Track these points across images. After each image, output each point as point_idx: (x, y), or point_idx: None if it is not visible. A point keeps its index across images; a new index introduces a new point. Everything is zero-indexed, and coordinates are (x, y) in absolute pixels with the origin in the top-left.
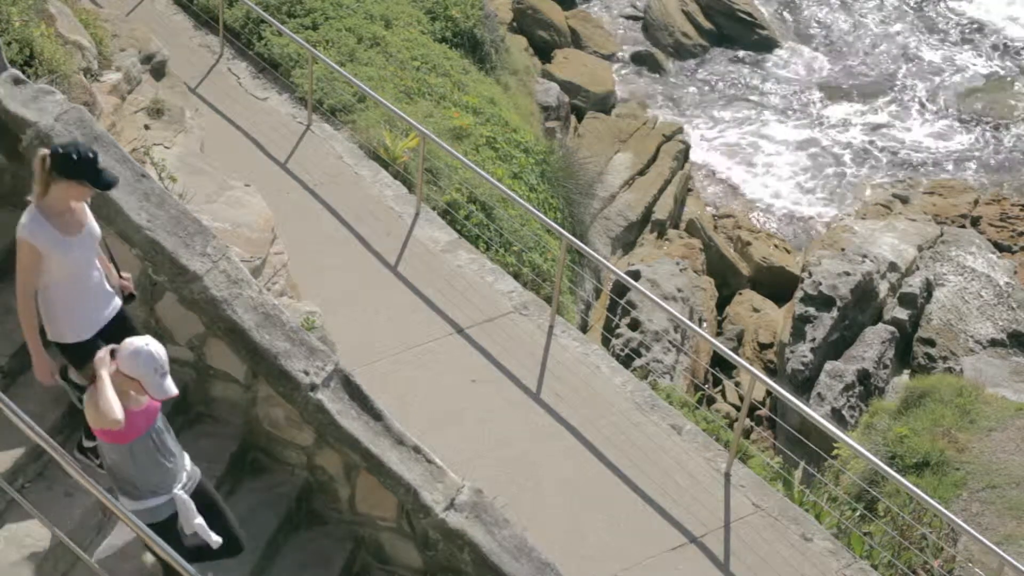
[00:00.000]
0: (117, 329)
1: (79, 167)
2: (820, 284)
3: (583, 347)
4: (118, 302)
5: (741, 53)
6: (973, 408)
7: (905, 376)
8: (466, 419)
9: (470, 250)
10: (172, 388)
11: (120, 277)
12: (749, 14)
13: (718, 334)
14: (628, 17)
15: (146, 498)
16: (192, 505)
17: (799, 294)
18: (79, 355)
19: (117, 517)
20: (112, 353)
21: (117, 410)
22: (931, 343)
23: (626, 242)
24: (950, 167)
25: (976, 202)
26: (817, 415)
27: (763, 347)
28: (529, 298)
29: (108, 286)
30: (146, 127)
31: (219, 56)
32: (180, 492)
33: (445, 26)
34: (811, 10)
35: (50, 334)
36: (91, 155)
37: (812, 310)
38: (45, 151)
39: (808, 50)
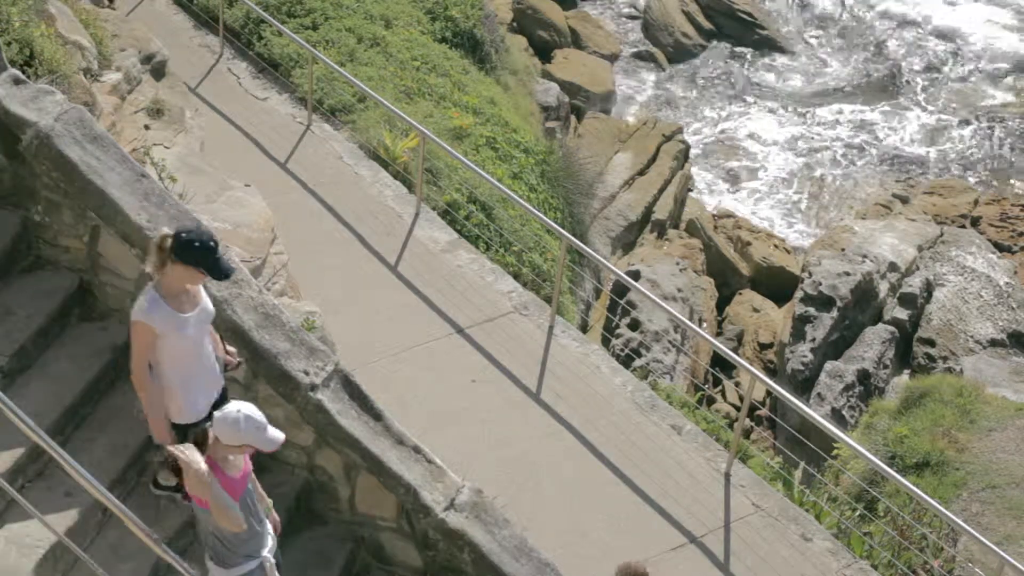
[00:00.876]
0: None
1: (198, 254)
2: (820, 284)
3: (583, 347)
4: (222, 382)
5: (741, 53)
6: (973, 408)
7: (905, 376)
8: (466, 419)
9: (470, 250)
10: (279, 435)
11: (226, 351)
12: (749, 14)
13: (718, 334)
14: (628, 17)
15: (240, 564)
16: (277, 571)
17: (799, 294)
18: (185, 435)
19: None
20: (205, 434)
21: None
22: (931, 343)
23: (626, 242)
24: (950, 167)
25: (976, 202)
26: (817, 415)
27: (763, 347)
28: (529, 298)
29: (217, 367)
30: (146, 127)
31: (219, 56)
32: (269, 556)
33: (445, 26)
34: (811, 10)
35: (165, 411)
36: (212, 243)
37: (812, 310)
38: (167, 232)
39: (808, 49)
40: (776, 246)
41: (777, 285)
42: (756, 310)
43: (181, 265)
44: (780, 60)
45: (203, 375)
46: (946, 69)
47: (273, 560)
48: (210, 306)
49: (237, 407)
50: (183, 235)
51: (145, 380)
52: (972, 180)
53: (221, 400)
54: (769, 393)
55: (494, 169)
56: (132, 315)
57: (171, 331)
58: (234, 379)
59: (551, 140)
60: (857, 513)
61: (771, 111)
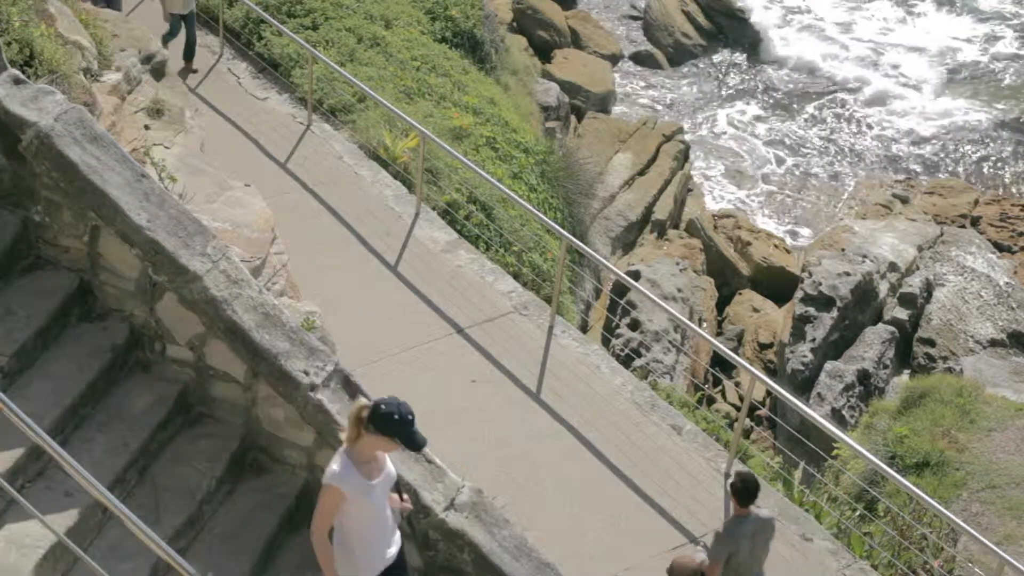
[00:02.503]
0: (395, 567)
1: (396, 427)
2: (820, 284)
3: (583, 347)
4: (399, 538)
5: (741, 53)
6: (973, 408)
7: (905, 376)
8: (466, 419)
9: (470, 250)
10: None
11: (401, 500)
12: (750, 14)
13: (718, 334)
14: (628, 17)
15: None
16: None
17: (799, 294)
18: None
19: (117, 517)
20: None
21: None
22: (931, 343)
23: (626, 242)
24: (950, 167)
25: (976, 202)
26: (817, 415)
27: (763, 347)
28: (529, 298)
29: (394, 520)
30: (146, 127)
31: (219, 56)
32: None
33: (445, 26)
34: (812, 9)
35: (341, 570)
36: (409, 417)
37: (812, 310)
38: (365, 403)
39: (809, 49)
40: (776, 246)
41: (777, 285)
42: (756, 310)
43: (377, 435)
44: (781, 59)
45: (383, 535)
46: (948, 68)
47: None
48: (393, 471)
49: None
50: (382, 407)
51: (324, 542)
52: (972, 180)
53: (397, 563)
54: (769, 393)
55: (494, 169)
56: (324, 479)
57: (358, 497)
58: (234, 380)
59: (551, 140)
60: (857, 513)
61: (771, 111)
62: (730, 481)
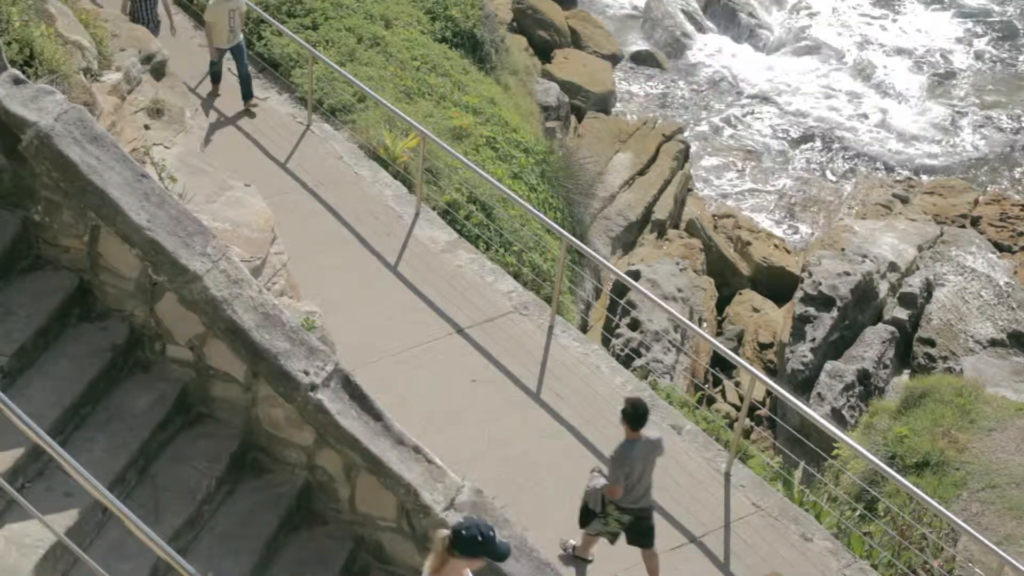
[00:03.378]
0: None
1: (480, 547)
2: (820, 284)
3: (583, 347)
4: None
5: (741, 51)
6: (973, 408)
7: (905, 376)
8: (466, 419)
9: (470, 250)
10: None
11: None
12: (750, 13)
13: (718, 334)
14: (628, 16)
15: None
16: None
17: (799, 294)
18: None
19: (117, 517)
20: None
21: None
22: (931, 343)
23: (626, 242)
24: (950, 166)
25: (976, 202)
26: (817, 415)
27: (763, 347)
28: (529, 298)
29: None
30: (146, 127)
31: None
32: None
33: (445, 26)
34: (813, 9)
35: None
36: (491, 532)
37: (812, 310)
38: (446, 533)
39: (809, 48)
40: (776, 246)
41: (777, 285)
42: (756, 310)
43: (463, 558)
44: (781, 59)
45: None
46: (948, 69)
47: None
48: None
49: None
50: (463, 532)
51: None
52: (972, 180)
53: None
54: (769, 393)
55: (494, 169)
56: None
57: None
58: (234, 380)
59: (551, 140)
60: (857, 513)
61: (771, 110)
62: (621, 407)
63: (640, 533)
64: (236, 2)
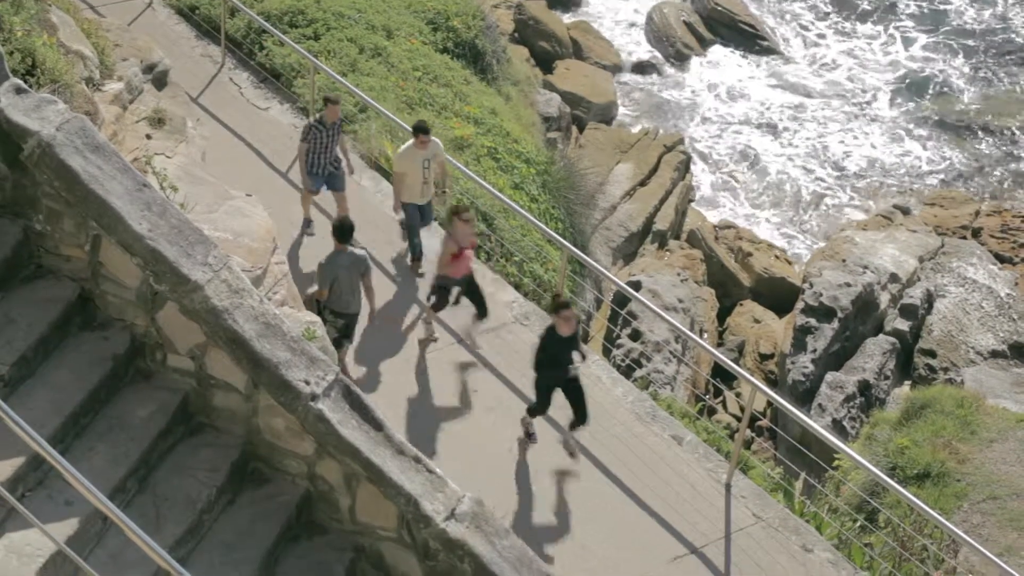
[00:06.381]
0: None
1: None
2: (821, 295)
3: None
4: None
5: (742, 63)
6: (974, 419)
7: (906, 387)
8: (467, 429)
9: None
10: None
11: None
12: (751, 25)
13: (719, 345)
14: (630, 26)
15: None
16: None
17: (800, 305)
18: None
19: (118, 526)
20: None
21: None
22: (932, 354)
23: (627, 253)
24: (951, 178)
25: (977, 213)
26: (818, 426)
27: (764, 358)
28: (530, 308)
29: None
30: (148, 137)
31: (221, 66)
32: None
33: (446, 37)
34: (812, 20)
35: None
36: None
37: (813, 321)
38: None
39: (810, 59)
40: (777, 257)
41: (778, 296)
42: (757, 321)
43: None
44: (781, 70)
45: None
46: (948, 78)
47: None
48: None
49: None
50: None
51: None
52: (973, 191)
53: None
54: (770, 404)
55: (495, 179)
56: None
57: None
58: (235, 389)
59: (552, 151)
60: (858, 524)
61: (772, 122)
62: (332, 223)
63: (348, 335)
64: (434, 150)
